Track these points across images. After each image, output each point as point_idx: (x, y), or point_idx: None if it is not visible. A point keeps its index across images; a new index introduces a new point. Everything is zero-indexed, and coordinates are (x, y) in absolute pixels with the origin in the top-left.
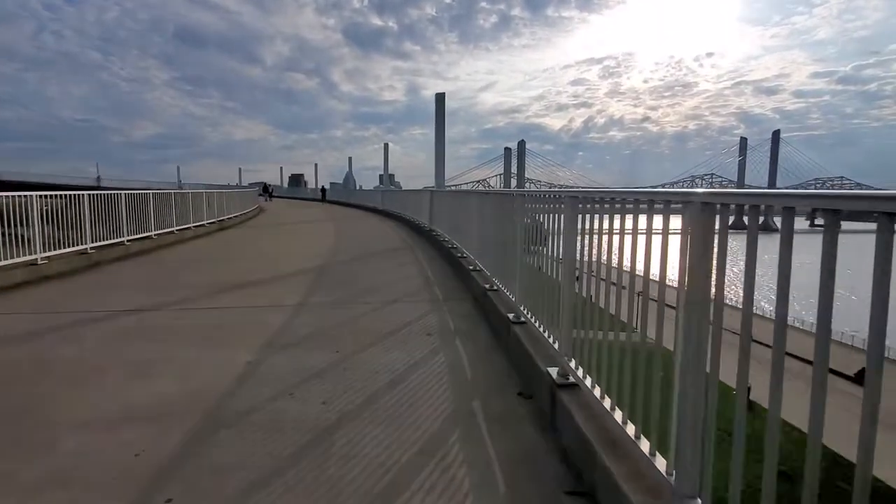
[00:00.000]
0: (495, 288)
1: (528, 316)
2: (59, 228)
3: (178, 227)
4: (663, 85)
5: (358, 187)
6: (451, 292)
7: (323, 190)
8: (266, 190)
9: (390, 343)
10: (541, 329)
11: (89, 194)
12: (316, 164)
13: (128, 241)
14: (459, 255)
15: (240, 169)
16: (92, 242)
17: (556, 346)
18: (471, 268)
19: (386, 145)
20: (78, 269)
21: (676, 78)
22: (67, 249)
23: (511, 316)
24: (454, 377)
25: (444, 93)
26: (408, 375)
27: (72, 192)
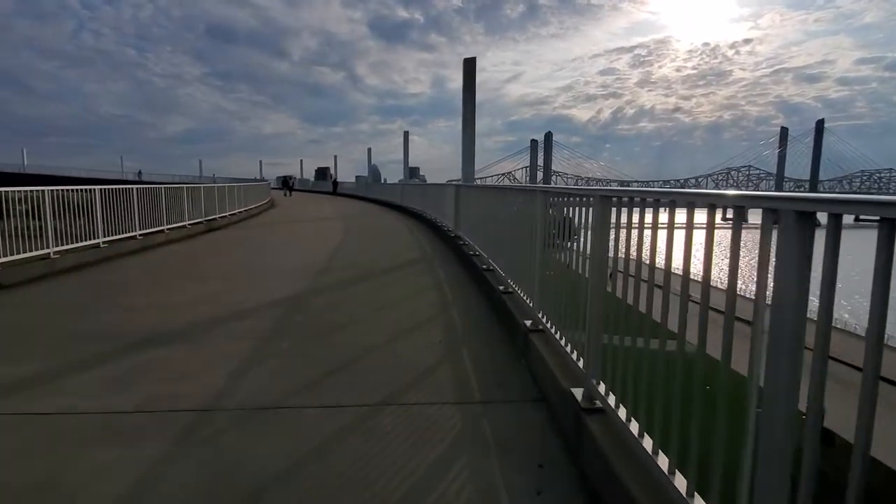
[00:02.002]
0: (597, 406)
1: None
2: None
3: (143, 231)
4: (697, 74)
5: (383, 180)
6: (495, 376)
7: (334, 183)
8: (286, 183)
9: None
10: None
11: None
12: (335, 157)
13: (56, 252)
14: (503, 288)
15: (260, 162)
16: None
17: None
18: (529, 325)
19: (406, 133)
20: None
21: (711, 66)
22: None
23: None
24: None
25: (474, 57)
26: None
27: None
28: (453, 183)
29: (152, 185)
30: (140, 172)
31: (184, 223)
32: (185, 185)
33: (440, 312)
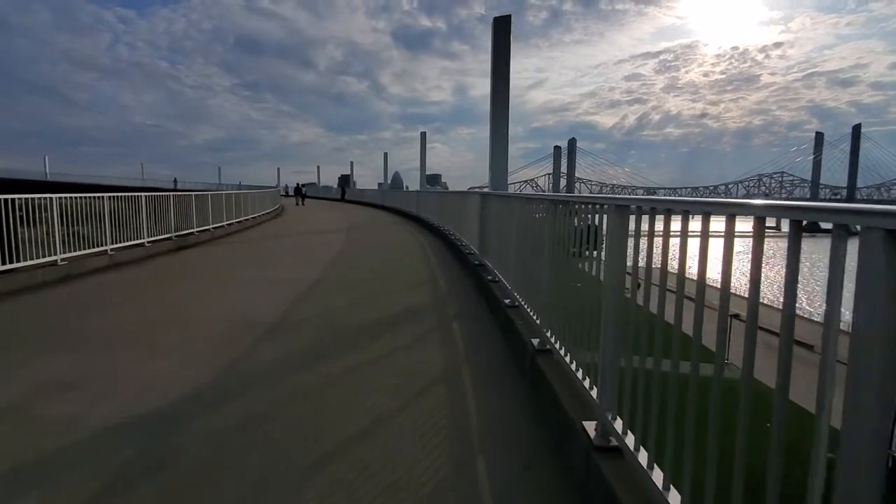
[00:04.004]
0: None
1: None
2: None
3: (69, 255)
4: (725, 78)
5: (405, 188)
6: None
7: (343, 190)
8: (298, 192)
9: None
10: None
11: None
12: (351, 163)
13: None
14: (573, 405)
15: (278, 169)
16: None
17: None
18: None
19: (423, 134)
20: None
21: (740, 70)
22: None
23: None
24: None
25: (508, 15)
26: None
27: None
28: (479, 190)
29: (134, 194)
30: (175, 181)
31: (142, 241)
32: (143, 195)
33: (446, 477)
